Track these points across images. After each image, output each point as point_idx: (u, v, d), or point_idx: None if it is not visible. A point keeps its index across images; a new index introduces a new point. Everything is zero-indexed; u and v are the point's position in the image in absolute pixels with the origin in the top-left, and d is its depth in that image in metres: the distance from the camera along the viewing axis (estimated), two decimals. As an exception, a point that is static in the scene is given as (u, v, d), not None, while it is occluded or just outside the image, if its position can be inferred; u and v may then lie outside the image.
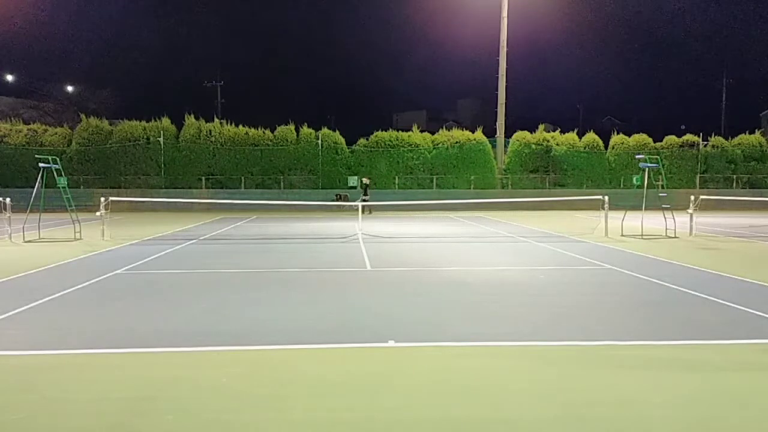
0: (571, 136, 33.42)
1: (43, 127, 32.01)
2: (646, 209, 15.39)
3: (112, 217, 19.73)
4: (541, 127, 33.79)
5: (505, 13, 31.90)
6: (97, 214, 14.64)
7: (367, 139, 32.81)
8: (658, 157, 17.21)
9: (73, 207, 14.93)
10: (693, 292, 7.56)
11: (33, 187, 14.53)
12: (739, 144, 34.08)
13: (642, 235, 14.85)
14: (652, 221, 16.33)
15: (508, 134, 33.43)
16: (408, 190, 31.13)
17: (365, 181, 26.60)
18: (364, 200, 23.71)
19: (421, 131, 33.40)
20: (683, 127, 42.13)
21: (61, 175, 14.40)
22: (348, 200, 29.01)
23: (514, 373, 4.52)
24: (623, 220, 15.83)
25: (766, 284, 8.12)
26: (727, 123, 56.84)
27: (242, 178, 31.12)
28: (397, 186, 31.47)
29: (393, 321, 6.13)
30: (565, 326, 5.90)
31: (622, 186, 32.11)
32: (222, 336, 5.52)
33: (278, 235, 15.84)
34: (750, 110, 60.58)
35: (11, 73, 52.30)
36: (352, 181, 31.24)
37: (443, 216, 24.43)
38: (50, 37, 78.28)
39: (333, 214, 25.92)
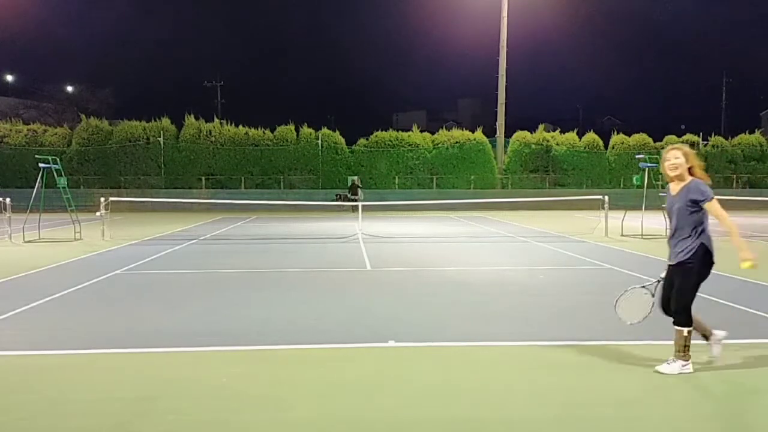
0: (571, 135, 33.42)
1: (43, 127, 32.02)
2: (646, 209, 15.39)
3: (112, 218, 19.69)
4: (541, 127, 33.78)
5: (505, 13, 31.89)
6: (97, 214, 14.63)
7: (367, 139, 32.81)
8: (658, 156, 17.17)
9: (73, 207, 14.93)
10: (693, 292, 7.54)
11: (33, 188, 14.51)
12: (739, 144, 34.07)
13: (642, 235, 14.85)
14: (652, 221, 16.31)
15: (508, 134, 33.43)
16: (408, 190, 31.11)
17: (354, 181, 28.00)
18: (353, 200, 25.06)
19: (421, 131, 33.40)
20: (683, 126, 42.11)
21: (61, 176, 14.40)
22: (348, 200, 29.14)
23: (514, 373, 4.52)
24: (623, 220, 15.82)
25: (766, 284, 8.12)
26: (727, 123, 56.83)
27: (242, 178, 31.12)
28: (397, 186, 31.47)
29: (393, 321, 6.13)
30: (565, 326, 5.90)
31: (622, 186, 32.06)
32: (222, 336, 5.52)
33: (278, 235, 15.84)
34: (750, 110, 60.42)
35: (11, 73, 52.31)
36: (352, 181, 31.37)
37: (443, 216, 24.42)
38: (50, 37, 78.34)
39: (333, 214, 25.91)
